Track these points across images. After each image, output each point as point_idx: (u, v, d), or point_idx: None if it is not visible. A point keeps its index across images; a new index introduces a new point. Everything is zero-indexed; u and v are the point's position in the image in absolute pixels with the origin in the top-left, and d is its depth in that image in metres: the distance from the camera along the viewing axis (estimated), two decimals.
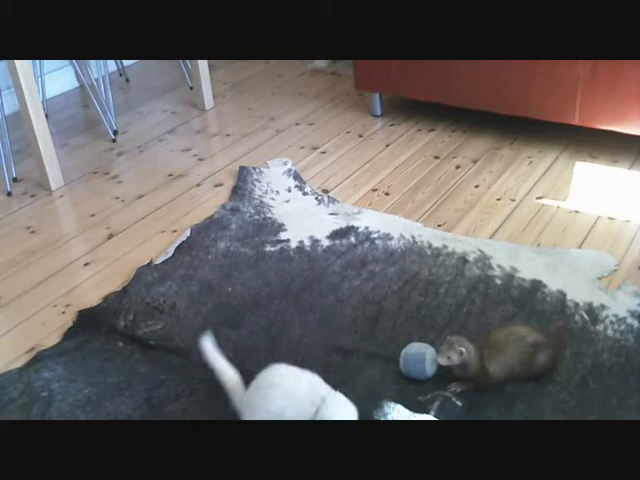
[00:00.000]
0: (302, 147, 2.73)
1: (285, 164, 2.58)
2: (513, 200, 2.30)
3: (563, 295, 1.85)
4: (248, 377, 1.65)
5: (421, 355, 1.61)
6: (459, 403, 1.56)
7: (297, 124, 2.92)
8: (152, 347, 1.78)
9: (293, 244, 2.13)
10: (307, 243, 2.13)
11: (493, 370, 1.56)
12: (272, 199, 2.38)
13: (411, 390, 1.60)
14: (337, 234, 2.16)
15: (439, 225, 2.20)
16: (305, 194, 2.41)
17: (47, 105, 3.11)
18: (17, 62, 2.32)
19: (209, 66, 3.06)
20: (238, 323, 1.83)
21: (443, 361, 1.55)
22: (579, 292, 1.85)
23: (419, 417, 1.53)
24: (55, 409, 1.60)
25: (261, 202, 2.36)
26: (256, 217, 2.28)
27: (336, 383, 1.62)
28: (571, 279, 1.90)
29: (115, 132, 2.89)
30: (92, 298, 1.98)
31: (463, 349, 1.53)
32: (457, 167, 2.52)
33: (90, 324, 1.87)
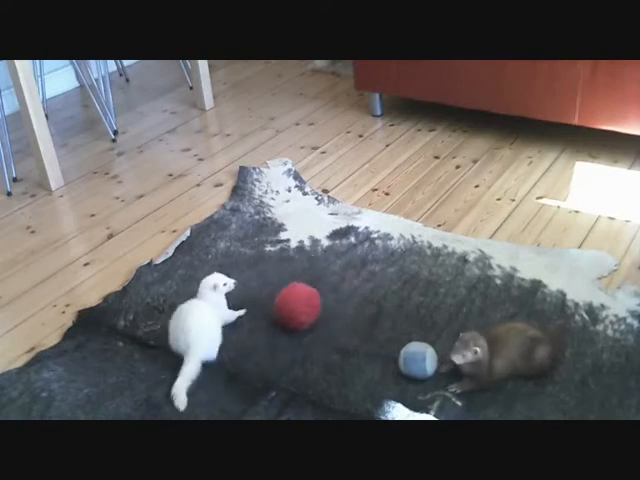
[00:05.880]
0: (302, 147, 2.73)
1: (285, 164, 2.58)
2: (513, 200, 2.30)
3: (563, 295, 1.84)
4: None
5: (421, 354, 1.62)
6: (459, 403, 1.56)
7: (297, 124, 2.91)
8: (152, 347, 1.78)
9: (293, 244, 2.13)
10: (307, 243, 2.13)
11: (496, 364, 1.56)
12: (272, 199, 2.38)
13: (411, 390, 1.60)
14: (337, 234, 2.16)
15: (439, 225, 2.20)
16: (305, 194, 2.40)
17: (47, 105, 3.11)
18: (17, 62, 2.32)
19: (209, 66, 3.06)
20: (238, 323, 1.83)
21: (458, 359, 1.54)
22: (579, 292, 1.85)
23: (419, 417, 1.53)
24: (55, 409, 1.60)
25: (261, 202, 2.36)
26: (256, 217, 2.28)
27: (336, 383, 1.63)
28: (571, 279, 1.90)
29: (115, 132, 2.89)
30: (92, 298, 1.98)
31: (478, 348, 1.53)
32: (457, 167, 2.51)
33: (90, 324, 1.88)
